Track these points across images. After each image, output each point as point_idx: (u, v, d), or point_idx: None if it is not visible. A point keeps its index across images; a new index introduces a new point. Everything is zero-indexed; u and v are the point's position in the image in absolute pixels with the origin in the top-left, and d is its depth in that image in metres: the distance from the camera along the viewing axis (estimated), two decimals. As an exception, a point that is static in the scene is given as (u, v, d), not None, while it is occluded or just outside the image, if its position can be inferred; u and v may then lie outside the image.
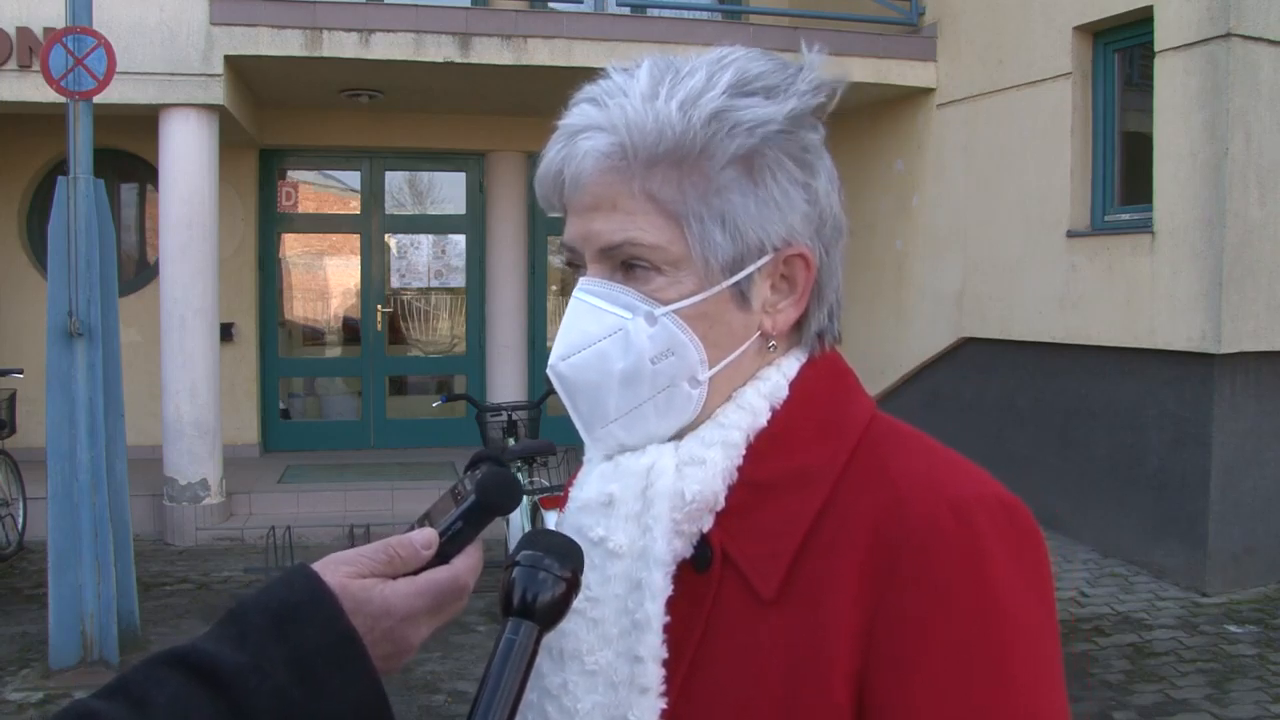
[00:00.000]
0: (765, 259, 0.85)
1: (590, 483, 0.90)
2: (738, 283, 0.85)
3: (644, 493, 0.85)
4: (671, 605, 0.83)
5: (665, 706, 0.82)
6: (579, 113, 0.86)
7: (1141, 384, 6.22)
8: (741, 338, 0.87)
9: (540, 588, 0.77)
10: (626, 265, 0.85)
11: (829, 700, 0.77)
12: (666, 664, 0.83)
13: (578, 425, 0.90)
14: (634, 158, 0.83)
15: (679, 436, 0.88)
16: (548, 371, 0.89)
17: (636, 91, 0.83)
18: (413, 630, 0.79)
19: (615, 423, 0.88)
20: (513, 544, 5.66)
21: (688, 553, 0.85)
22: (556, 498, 5.60)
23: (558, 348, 0.88)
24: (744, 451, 0.85)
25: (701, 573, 0.84)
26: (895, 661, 0.76)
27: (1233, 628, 5.44)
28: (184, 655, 0.72)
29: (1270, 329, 5.87)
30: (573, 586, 0.79)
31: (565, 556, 0.79)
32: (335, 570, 0.77)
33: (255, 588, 0.79)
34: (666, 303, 0.85)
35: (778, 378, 0.88)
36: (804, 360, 0.90)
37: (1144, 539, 6.25)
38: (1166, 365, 6.05)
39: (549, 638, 0.85)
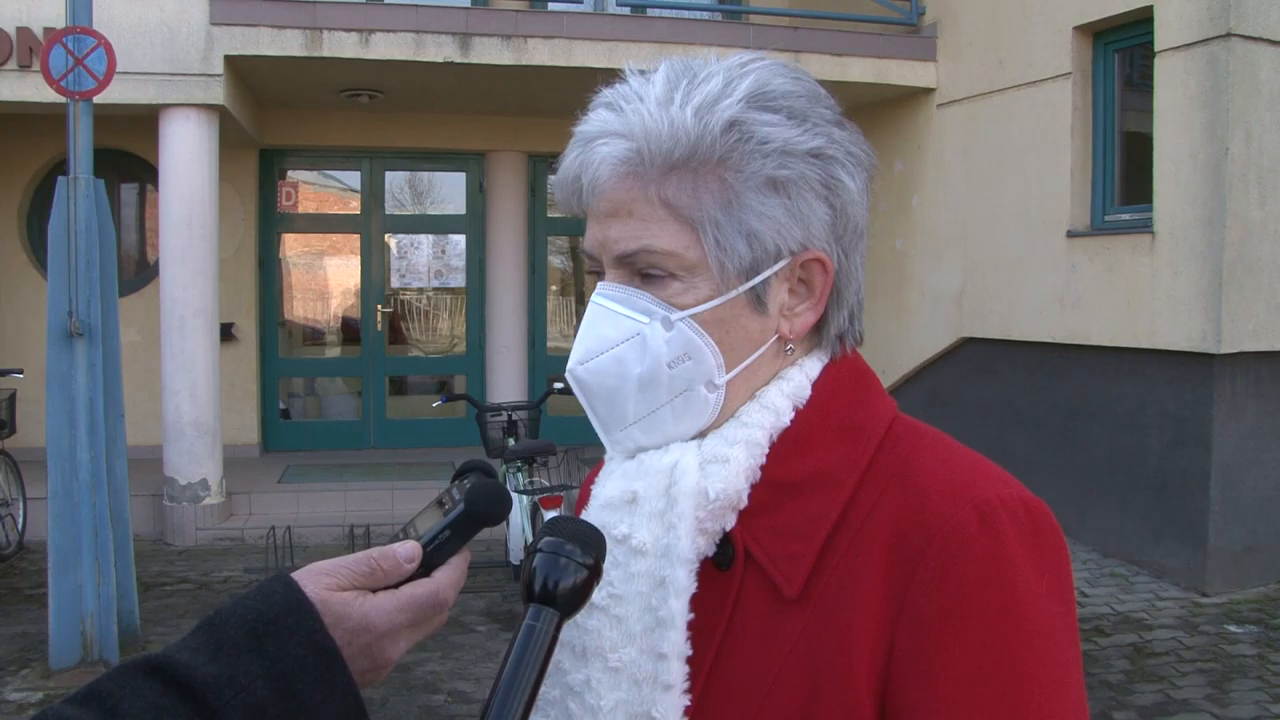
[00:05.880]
0: (782, 264, 0.85)
1: (613, 480, 0.90)
2: (754, 287, 0.85)
3: (668, 491, 0.85)
4: (694, 603, 0.84)
5: (689, 703, 0.82)
6: (596, 118, 0.86)
7: (1141, 384, 6.22)
8: (758, 342, 0.87)
9: (562, 574, 0.76)
10: (644, 271, 0.85)
11: (850, 699, 0.77)
12: (690, 661, 0.83)
13: (596, 428, 0.91)
14: (650, 164, 0.83)
15: (701, 435, 0.88)
16: (566, 375, 0.90)
17: (652, 96, 0.83)
18: (391, 646, 0.78)
19: (633, 426, 0.88)
20: (512, 544, 5.71)
21: (710, 550, 0.85)
22: (556, 498, 5.60)
23: (576, 352, 0.88)
24: (767, 450, 0.85)
25: (724, 570, 0.84)
26: (916, 664, 0.76)
27: (1233, 628, 5.44)
28: (160, 665, 0.70)
29: (1270, 329, 5.87)
30: (595, 574, 0.78)
31: (588, 543, 0.78)
32: (316, 581, 0.76)
33: (236, 595, 0.78)
34: (683, 308, 0.85)
35: (800, 378, 0.88)
36: (825, 362, 0.90)
37: (1144, 539, 6.25)
38: (1166, 365, 6.04)
39: (571, 634, 0.84)
